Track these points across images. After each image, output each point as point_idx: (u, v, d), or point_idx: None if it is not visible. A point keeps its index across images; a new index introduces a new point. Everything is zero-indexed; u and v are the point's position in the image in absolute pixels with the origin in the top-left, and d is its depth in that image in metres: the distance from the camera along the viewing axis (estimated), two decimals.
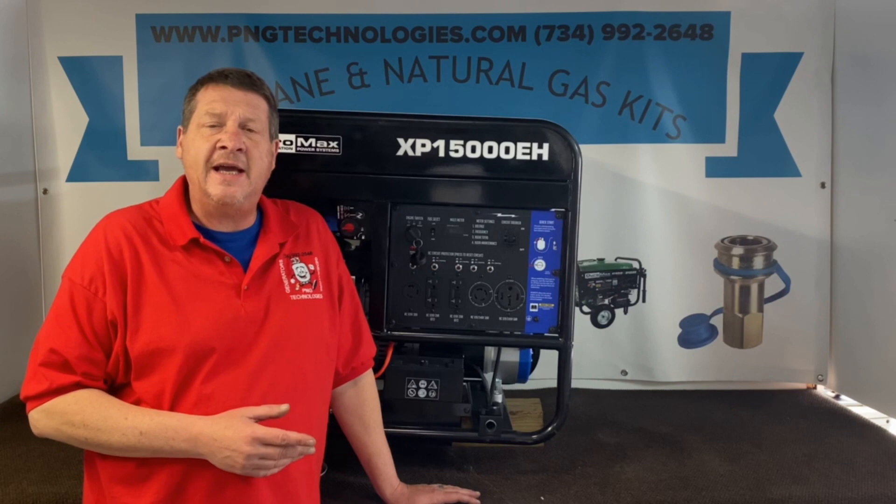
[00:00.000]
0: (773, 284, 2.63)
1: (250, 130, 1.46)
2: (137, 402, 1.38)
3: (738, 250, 2.62)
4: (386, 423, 1.75)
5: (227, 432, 1.30)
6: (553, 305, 1.89)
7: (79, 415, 1.34)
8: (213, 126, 1.44)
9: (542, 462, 1.98)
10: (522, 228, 1.88)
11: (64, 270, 1.43)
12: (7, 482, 1.78)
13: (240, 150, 1.43)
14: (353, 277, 1.74)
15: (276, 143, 1.59)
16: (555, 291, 1.89)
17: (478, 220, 1.88)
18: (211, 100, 1.45)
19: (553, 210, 1.88)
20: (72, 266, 1.43)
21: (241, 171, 1.44)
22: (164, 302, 1.39)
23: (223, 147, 1.42)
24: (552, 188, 1.87)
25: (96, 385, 1.38)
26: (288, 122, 1.79)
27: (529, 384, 2.12)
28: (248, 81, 1.49)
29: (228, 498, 1.38)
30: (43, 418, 1.36)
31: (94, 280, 1.39)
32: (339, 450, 1.72)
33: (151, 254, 1.42)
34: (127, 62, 2.53)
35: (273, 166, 1.57)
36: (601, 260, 2.62)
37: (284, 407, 1.32)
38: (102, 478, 1.41)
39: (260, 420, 1.32)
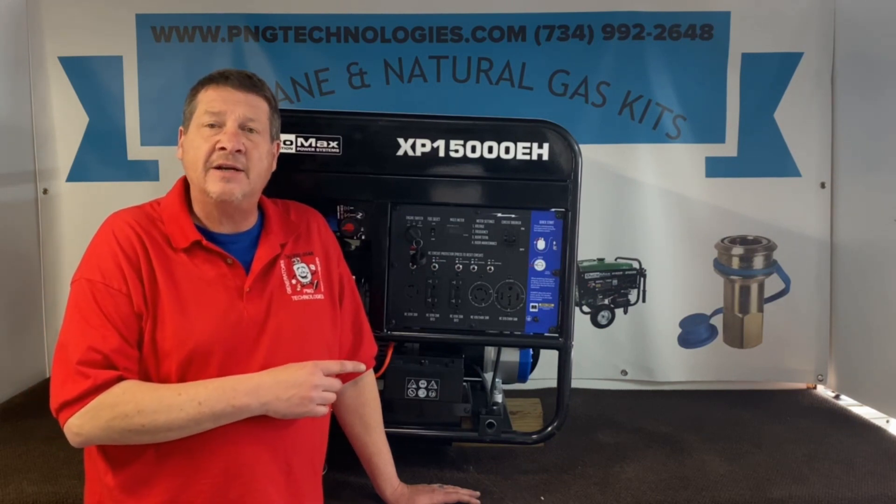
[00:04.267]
0: (773, 284, 2.63)
1: (250, 131, 1.46)
2: None
3: (738, 250, 2.62)
4: (386, 423, 1.75)
5: (288, 370, 1.37)
6: (553, 305, 1.89)
7: (130, 403, 1.28)
8: (212, 126, 1.43)
9: (542, 462, 1.98)
10: (522, 228, 1.88)
11: (75, 274, 1.40)
12: (7, 482, 1.77)
13: (239, 151, 1.42)
14: (354, 277, 1.74)
15: (277, 145, 1.58)
16: (555, 291, 1.89)
17: (478, 220, 1.88)
18: (210, 100, 1.45)
19: (553, 210, 1.88)
20: (86, 267, 1.39)
21: (239, 170, 1.44)
22: (171, 302, 1.38)
23: (222, 148, 1.41)
24: (552, 188, 1.87)
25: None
26: (288, 122, 1.79)
27: (529, 384, 2.12)
28: (248, 83, 1.48)
29: (233, 499, 1.38)
30: (89, 420, 1.28)
31: (115, 277, 1.36)
32: (339, 450, 1.72)
33: (158, 253, 1.41)
34: (127, 62, 2.53)
35: (274, 167, 1.57)
36: (601, 260, 2.62)
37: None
38: (104, 481, 1.40)
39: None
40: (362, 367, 1.49)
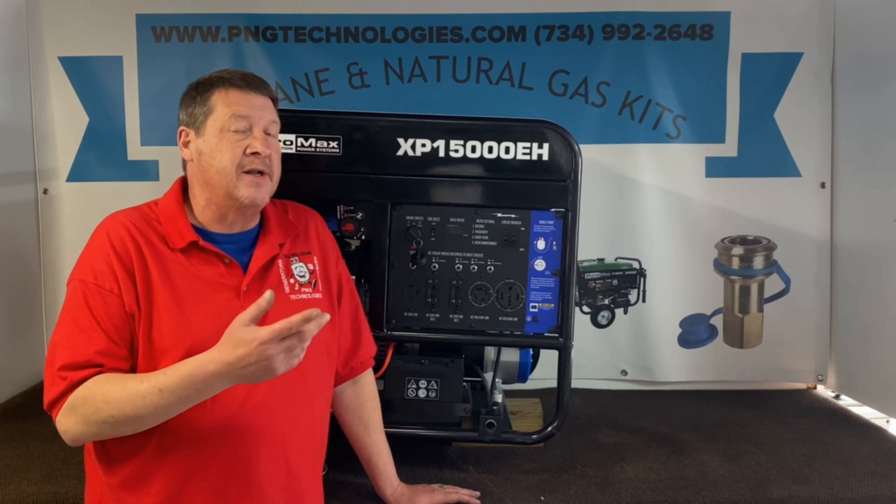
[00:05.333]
0: (773, 284, 2.63)
1: (269, 134, 1.49)
2: None
3: (738, 250, 2.62)
4: (386, 423, 1.75)
5: (239, 351, 1.22)
6: (553, 305, 1.89)
7: (98, 395, 1.29)
8: (237, 131, 1.44)
9: (542, 462, 1.98)
10: (522, 228, 1.88)
11: (70, 275, 1.41)
12: (7, 482, 1.78)
13: (269, 156, 1.46)
14: (353, 277, 1.74)
15: None
16: (555, 291, 1.89)
17: (478, 220, 1.88)
18: (234, 103, 1.45)
19: (553, 210, 1.88)
20: (79, 269, 1.41)
21: (265, 174, 1.47)
22: (167, 302, 1.39)
23: (254, 153, 1.44)
24: (552, 188, 1.87)
25: None
26: (288, 122, 1.79)
27: (529, 384, 2.12)
28: (263, 85, 1.51)
29: (232, 497, 1.38)
30: (70, 417, 1.31)
31: (106, 278, 1.38)
32: (339, 450, 1.72)
33: (154, 253, 1.42)
34: (127, 62, 2.53)
35: None
36: (601, 260, 2.62)
37: (269, 294, 1.23)
38: (103, 479, 1.41)
39: (257, 321, 1.24)
40: (315, 311, 1.24)
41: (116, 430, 1.32)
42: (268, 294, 1.23)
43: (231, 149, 1.44)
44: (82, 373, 1.31)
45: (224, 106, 1.45)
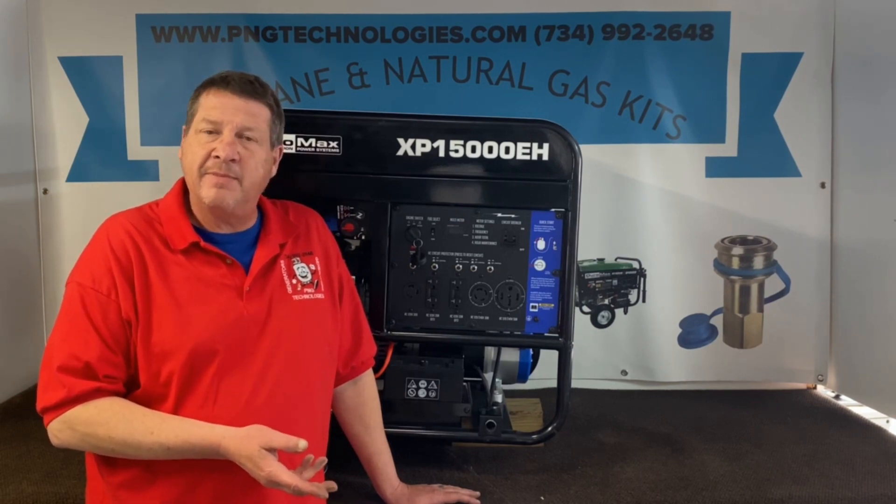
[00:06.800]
0: (773, 284, 2.63)
1: (248, 139, 1.45)
2: (146, 399, 1.37)
3: (738, 250, 2.62)
4: (386, 423, 1.75)
5: (247, 464, 1.29)
6: (553, 305, 1.89)
7: (103, 427, 1.32)
8: (209, 132, 1.43)
9: (542, 462, 1.98)
10: (522, 228, 1.88)
11: (69, 276, 1.41)
12: (7, 482, 1.77)
13: (233, 160, 1.42)
14: (353, 277, 1.74)
15: (280, 149, 1.57)
16: (555, 291, 1.89)
17: (478, 220, 1.88)
18: (210, 106, 1.44)
19: (553, 210, 1.88)
20: (78, 271, 1.41)
21: (233, 178, 1.44)
22: (167, 304, 1.39)
23: (217, 156, 1.41)
24: (552, 188, 1.87)
25: (116, 389, 1.36)
26: (288, 122, 1.78)
27: (529, 384, 2.12)
28: (249, 89, 1.46)
29: (236, 499, 1.38)
30: (65, 429, 1.33)
31: (104, 282, 1.38)
32: (340, 450, 1.71)
33: (154, 256, 1.42)
34: (127, 62, 2.53)
35: (274, 173, 1.56)
36: (601, 260, 2.62)
37: (303, 444, 1.29)
38: (106, 480, 1.41)
39: (274, 448, 1.29)
40: (321, 487, 1.36)
41: (109, 454, 1.37)
42: (302, 443, 1.29)
43: (198, 149, 1.42)
44: (82, 385, 1.32)
45: (202, 109, 1.45)
